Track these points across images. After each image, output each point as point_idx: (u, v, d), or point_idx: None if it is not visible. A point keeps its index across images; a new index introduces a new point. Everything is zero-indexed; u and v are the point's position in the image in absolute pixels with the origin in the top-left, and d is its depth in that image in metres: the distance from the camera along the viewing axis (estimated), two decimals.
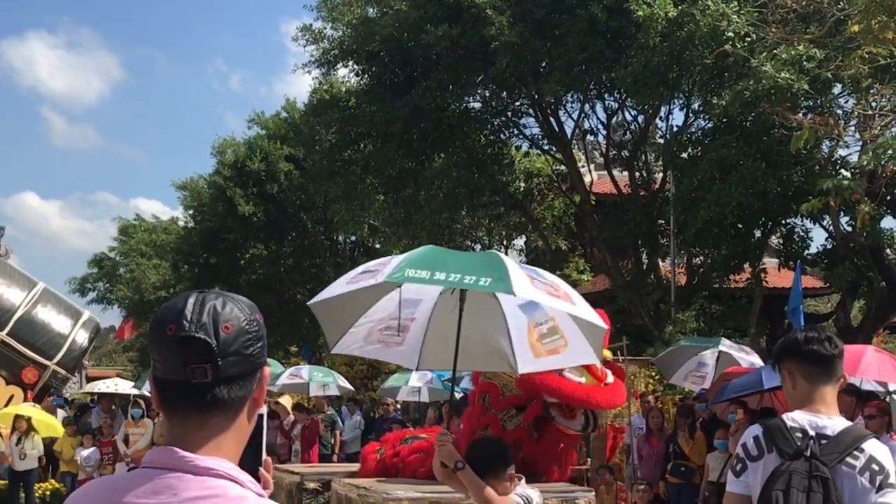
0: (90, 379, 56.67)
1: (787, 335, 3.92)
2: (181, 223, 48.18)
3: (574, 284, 29.22)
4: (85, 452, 17.41)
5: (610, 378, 6.13)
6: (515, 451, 6.25)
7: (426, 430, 7.85)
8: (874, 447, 3.50)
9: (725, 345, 13.36)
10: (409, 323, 6.34)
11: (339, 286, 6.22)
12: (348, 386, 20.06)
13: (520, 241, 33.30)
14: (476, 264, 5.85)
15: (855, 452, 3.45)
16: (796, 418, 3.55)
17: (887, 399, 10.48)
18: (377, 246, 37.63)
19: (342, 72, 26.75)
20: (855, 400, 10.48)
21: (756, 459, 3.56)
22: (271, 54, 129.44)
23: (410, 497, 6.36)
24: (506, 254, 33.13)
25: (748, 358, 13.10)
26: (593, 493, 6.41)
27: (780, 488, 3.41)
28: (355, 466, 9.50)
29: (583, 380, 6.05)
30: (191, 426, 1.83)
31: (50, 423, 16.40)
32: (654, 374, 15.76)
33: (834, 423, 3.54)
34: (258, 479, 1.94)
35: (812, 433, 3.49)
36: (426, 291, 6.36)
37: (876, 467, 3.45)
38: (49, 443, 17.59)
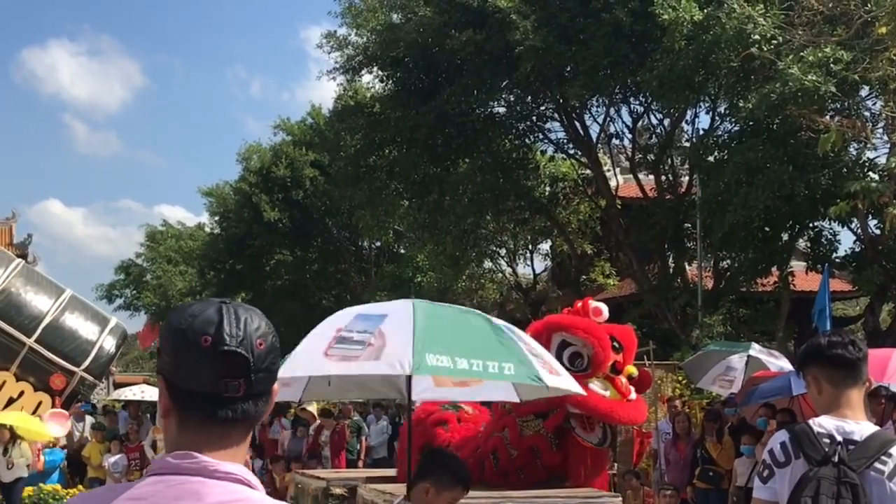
0: (117, 385, 57.01)
1: (810, 340, 3.87)
2: (207, 229, 48.41)
3: (600, 289, 29.30)
4: (112, 458, 17.47)
5: (633, 395, 6.09)
6: (534, 458, 6.23)
7: (467, 404, 7.77)
8: None
9: (755, 349, 13.28)
10: (368, 336, 6.29)
11: (318, 360, 6.22)
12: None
13: (545, 246, 33.23)
14: (488, 344, 5.88)
15: (883, 458, 3.41)
16: (823, 423, 3.51)
17: None
18: (402, 251, 37.69)
19: (367, 78, 26.89)
20: (888, 404, 10.41)
21: (783, 466, 3.52)
22: (291, 60, 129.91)
23: None
24: (531, 258, 33.15)
25: (777, 362, 13.01)
26: (620, 498, 6.37)
27: (808, 495, 3.36)
28: (382, 472, 9.49)
29: (607, 393, 6.02)
30: (211, 436, 1.82)
31: (35, 429, 16.29)
32: (680, 378, 15.69)
33: (861, 427, 3.50)
34: None
35: (839, 438, 3.45)
36: (387, 307, 6.41)
37: None
38: (77, 448, 17.69)
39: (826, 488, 3.34)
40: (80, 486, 18.14)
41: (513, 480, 6.38)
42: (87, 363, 18.49)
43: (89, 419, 19.68)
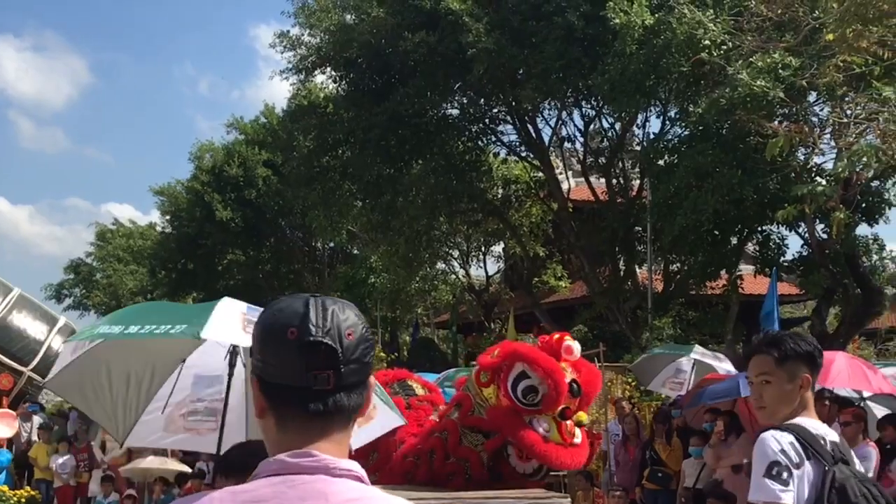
0: None
1: (754, 338, 3.81)
2: (159, 228, 48.00)
3: (552, 291, 29.43)
4: (60, 460, 17.25)
5: (578, 438, 6.09)
6: (464, 469, 6.23)
7: (419, 381, 7.72)
8: (852, 451, 3.55)
9: (698, 352, 13.43)
10: (218, 404, 6.06)
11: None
12: None
13: (498, 248, 33.34)
14: (188, 313, 5.83)
15: (853, 458, 3.47)
16: (812, 425, 3.43)
17: (861, 405, 10.55)
18: (355, 252, 37.63)
19: (320, 78, 26.77)
20: (833, 406, 10.54)
21: (799, 467, 3.34)
22: (241, 59, 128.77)
23: None
24: (484, 260, 33.23)
25: (722, 365, 13.17)
26: (569, 499, 6.40)
27: (860, 496, 3.25)
28: None
29: (549, 434, 6.02)
30: (312, 432, 1.78)
31: None
32: (630, 380, 15.80)
33: (831, 429, 3.52)
34: None
35: (827, 439, 3.41)
36: (220, 367, 6.16)
37: (863, 469, 3.50)
38: (24, 449, 17.44)
39: (864, 490, 3.27)
40: (28, 488, 17.91)
41: (440, 483, 6.38)
42: (34, 363, 18.28)
43: (37, 419, 19.44)
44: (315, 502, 1.68)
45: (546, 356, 5.96)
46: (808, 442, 3.34)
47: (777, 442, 3.37)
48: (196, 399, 6.16)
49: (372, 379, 1.90)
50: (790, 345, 3.71)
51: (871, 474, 9.42)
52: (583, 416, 6.11)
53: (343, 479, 1.73)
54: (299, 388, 1.77)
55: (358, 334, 1.82)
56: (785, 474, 3.32)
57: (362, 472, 1.77)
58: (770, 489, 3.32)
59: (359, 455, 7.07)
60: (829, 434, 3.45)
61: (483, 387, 6.09)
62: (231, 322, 5.47)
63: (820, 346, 3.58)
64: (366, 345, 1.84)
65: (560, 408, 5.88)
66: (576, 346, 6.04)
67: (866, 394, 10.88)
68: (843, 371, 9.98)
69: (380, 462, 7.08)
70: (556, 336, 6.13)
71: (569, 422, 6.02)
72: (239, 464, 4.22)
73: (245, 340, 5.42)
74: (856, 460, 3.48)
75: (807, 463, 3.33)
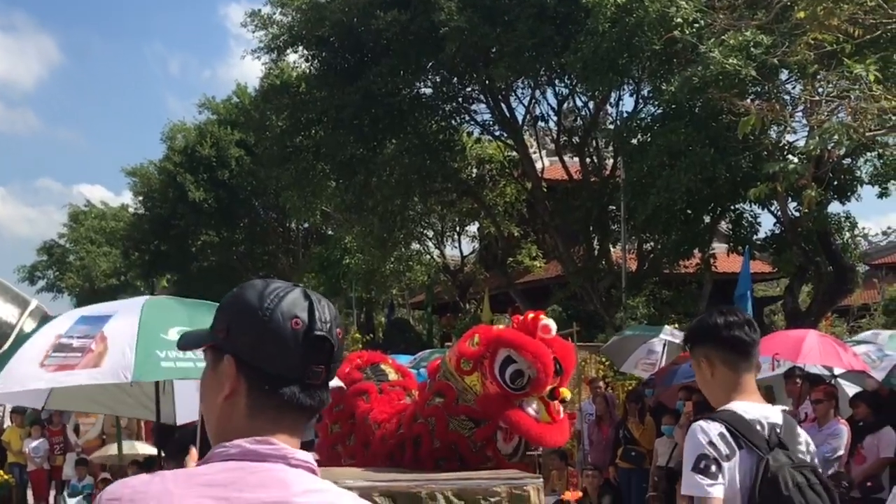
0: None
1: (701, 317, 3.67)
2: (131, 210, 47.70)
3: (526, 271, 29.43)
4: (33, 443, 17.14)
5: (561, 413, 6.08)
6: (453, 452, 6.21)
7: (394, 365, 7.67)
8: (803, 432, 3.48)
9: (667, 332, 13.46)
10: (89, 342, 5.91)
11: (32, 372, 5.80)
12: None
13: (473, 228, 33.30)
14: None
15: (799, 439, 3.40)
16: (747, 409, 3.35)
17: (832, 383, 10.60)
18: (330, 232, 37.50)
19: (292, 57, 26.60)
20: (804, 384, 10.60)
21: (729, 458, 3.26)
22: (211, 37, 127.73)
23: (360, 486, 6.27)
24: (459, 240, 33.19)
25: None
26: (542, 479, 6.36)
27: (791, 487, 3.17)
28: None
29: (539, 415, 6.00)
30: (283, 423, 1.75)
31: None
32: (604, 360, 15.82)
33: (774, 410, 3.44)
34: None
35: (766, 423, 3.33)
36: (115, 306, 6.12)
37: (813, 451, 3.44)
38: None
39: (800, 478, 3.20)
40: (0, 472, 17.80)
41: (428, 467, 6.33)
42: (6, 347, 18.08)
43: (8, 403, 19.30)
44: (276, 490, 1.65)
45: (531, 340, 5.89)
46: (739, 430, 3.26)
47: (705, 434, 3.29)
48: (69, 335, 5.98)
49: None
50: (693, 327, 3.69)
51: (841, 451, 9.49)
52: (567, 392, 6.09)
53: (299, 469, 1.70)
54: (290, 379, 1.73)
55: (343, 332, 1.82)
56: (713, 467, 3.25)
57: (315, 465, 1.74)
58: (697, 483, 3.25)
59: (336, 438, 7.03)
60: (771, 416, 3.37)
61: (465, 375, 6.01)
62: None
63: (741, 318, 3.45)
64: (343, 344, 1.83)
65: (549, 388, 5.84)
66: (552, 325, 5.99)
67: (837, 371, 10.92)
68: (814, 348, 10.02)
69: (357, 445, 7.03)
70: (531, 315, 6.06)
71: (557, 403, 6.00)
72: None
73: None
74: (803, 439, 3.40)
75: (739, 453, 3.26)
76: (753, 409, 3.36)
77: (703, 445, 3.27)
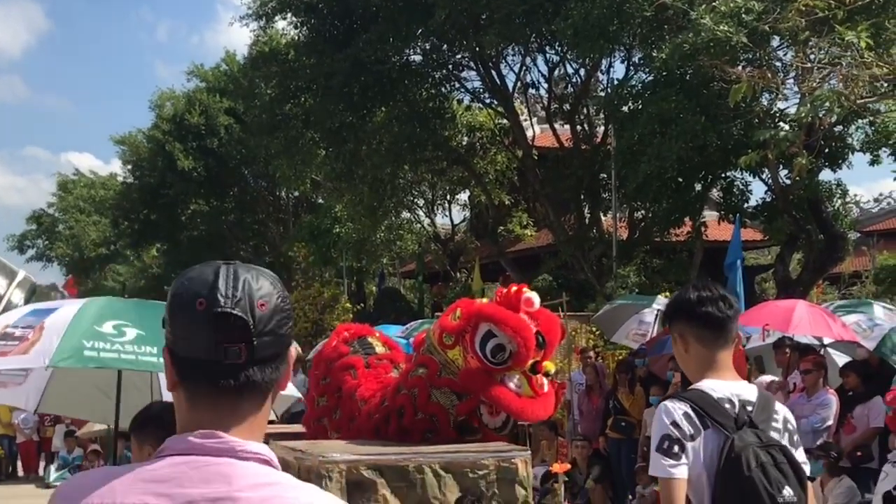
0: None
1: (677, 293, 3.66)
2: (120, 178, 47.46)
3: (517, 239, 29.36)
4: (23, 415, 17.13)
5: (546, 387, 6.02)
6: (434, 424, 6.17)
7: (382, 338, 7.63)
8: (782, 407, 3.44)
9: (660, 303, 13.43)
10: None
11: None
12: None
13: (463, 196, 33.20)
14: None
15: (774, 415, 3.35)
16: (716, 388, 3.32)
17: (822, 353, 10.58)
18: (320, 201, 37.35)
19: (281, 24, 26.37)
20: (794, 354, 10.58)
21: (693, 439, 3.25)
22: (199, 2, 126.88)
23: (347, 460, 6.24)
24: (450, 209, 33.09)
25: None
26: (529, 451, 6.34)
27: (754, 467, 3.16)
28: (292, 428, 9.36)
29: (521, 390, 5.95)
30: (222, 409, 1.69)
31: None
32: (595, 329, 15.79)
33: (746, 387, 3.41)
34: None
35: (736, 402, 3.29)
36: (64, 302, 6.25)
37: (791, 427, 3.39)
38: None
39: (764, 456, 3.19)
40: None
41: (416, 440, 6.29)
42: None
43: None
44: (217, 485, 1.60)
45: (512, 314, 5.84)
46: (705, 410, 3.25)
47: (669, 414, 3.29)
48: (14, 325, 6.07)
49: (292, 351, 1.80)
50: (669, 303, 3.71)
51: (830, 421, 9.49)
52: (550, 366, 6.04)
53: (250, 461, 1.65)
54: (209, 363, 1.66)
55: (272, 304, 1.71)
56: (676, 448, 3.24)
57: (271, 455, 1.69)
58: (661, 464, 3.27)
59: (322, 412, 6.98)
60: (744, 393, 3.34)
61: (448, 349, 5.97)
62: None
63: (715, 293, 3.41)
64: (281, 315, 1.73)
65: (530, 362, 5.79)
66: (535, 298, 5.92)
67: (827, 340, 10.90)
68: (804, 319, 9.99)
69: (343, 420, 7.00)
70: (514, 288, 5.99)
71: (540, 377, 5.96)
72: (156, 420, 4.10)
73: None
74: (780, 416, 3.36)
75: (704, 433, 3.25)
76: (723, 386, 3.33)
77: (667, 426, 3.27)
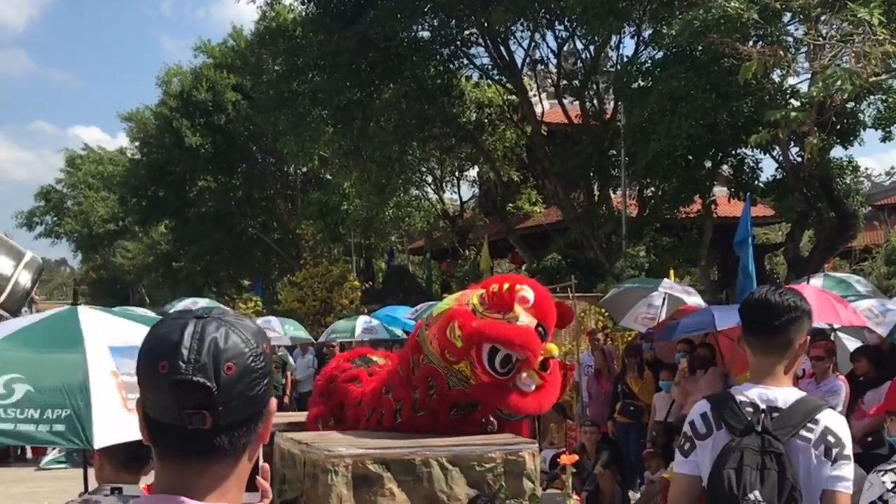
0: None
1: (748, 294, 3.65)
2: (129, 154, 47.38)
3: (526, 216, 29.24)
4: None
5: (549, 370, 5.99)
6: (433, 421, 6.12)
7: (382, 354, 7.67)
8: (830, 418, 3.33)
9: (666, 286, 13.32)
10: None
11: None
12: (309, 338, 19.93)
13: (472, 173, 33.05)
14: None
15: (809, 425, 3.28)
16: (745, 392, 3.38)
17: (832, 337, 10.47)
18: (328, 177, 37.27)
19: (288, 0, 26.18)
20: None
21: (704, 437, 3.38)
22: None
23: (353, 454, 6.20)
24: (458, 186, 32.99)
25: (692, 299, 13.07)
26: (536, 444, 6.29)
27: (731, 467, 3.23)
28: (303, 416, 9.35)
29: (533, 385, 5.90)
30: (190, 472, 1.63)
31: None
32: (604, 310, 15.68)
33: (786, 394, 3.35)
34: (255, 488, 1.82)
35: (763, 406, 3.31)
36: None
37: (832, 439, 3.29)
38: None
39: (750, 459, 3.22)
40: None
41: (420, 423, 6.27)
42: (1, 299, 17.99)
43: None
44: None
45: (513, 330, 5.78)
46: (721, 412, 3.37)
47: (692, 413, 3.50)
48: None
49: (272, 405, 1.72)
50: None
51: (839, 408, 9.37)
52: (553, 348, 5.97)
53: None
54: (175, 427, 1.59)
55: (241, 366, 1.62)
56: (687, 445, 3.45)
57: None
58: (676, 457, 3.53)
59: (325, 426, 6.93)
60: (777, 400, 3.33)
61: (453, 364, 5.91)
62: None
63: (763, 300, 3.42)
64: (252, 377, 1.63)
65: (538, 361, 5.75)
66: (529, 295, 5.85)
67: (836, 324, 10.78)
68: (812, 305, 9.81)
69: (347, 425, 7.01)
70: (506, 286, 5.91)
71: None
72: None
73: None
74: (821, 426, 3.28)
75: (716, 433, 3.37)
76: (756, 391, 3.37)
77: (686, 424, 3.49)
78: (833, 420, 3.33)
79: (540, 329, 5.95)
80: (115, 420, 4.53)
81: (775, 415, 3.30)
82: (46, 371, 4.79)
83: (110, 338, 4.96)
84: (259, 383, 1.65)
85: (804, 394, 3.46)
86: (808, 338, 3.46)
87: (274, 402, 1.72)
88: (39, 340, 5.02)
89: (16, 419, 4.44)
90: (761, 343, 3.41)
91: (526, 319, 5.76)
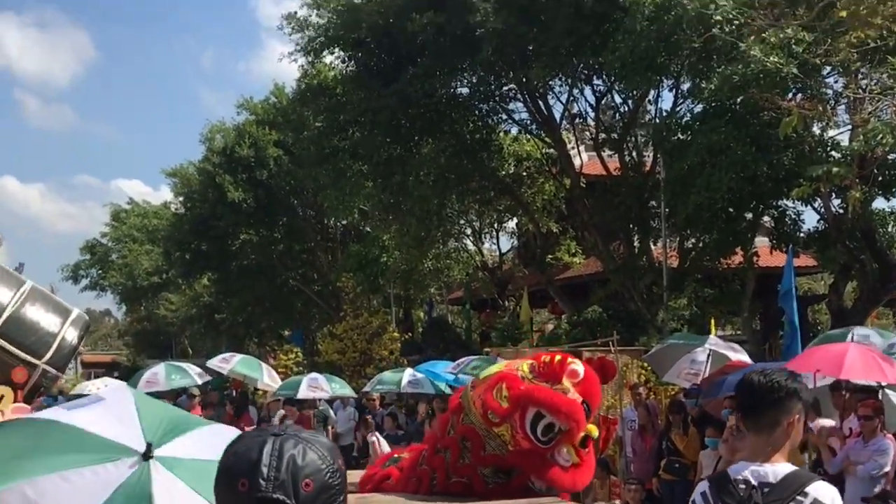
0: (85, 365, 56.63)
1: (740, 379, 3.79)
2: (172, 208, 48.02)
3: (566, 267, 29.25)
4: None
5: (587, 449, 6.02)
6: (468, 489, 6.12)
7: (410, 449, 7.70)
8: (819, 489, 3.43)
9: (711, 342, 13.26)
10: None
11: None
12: (353, 395, 19.82)
13: (511, 224, 33.16)
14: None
15: (798, 497, 3.40)
16: (739, 469, 3.53)
17: (879, 395, 10.37)
18: (368, 230, 37.53)
19: (329, 58, 26.57)
20: (850, 395, 10.37)
21: None
22: (244, 31, 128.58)
23: None
24: (497, 237, 33.08)
25: (737, 355, 13.01)
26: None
27: None
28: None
29: (569, 460, 5.92)
30: None
31: None
32: (646, 364, 15.64)
33: (776, 469, 3.47)
34: None
35: (755, 483, 3.45)
36: None
37: (879, 462, 3.48)
38: None
39: None
40: None
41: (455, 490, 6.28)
42: (49, 355, 18.13)
43: None
44: None
45: (561, 399, 5.80)
46: (718, 490, 3.51)
47: (695, 492, 3.66)
48: None
49: None
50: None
51: (888, 468, 9.28)
52: (593, 429, 5.99)
53: None
54: None
55: (319, 482, 1.69)
56: None
57: None
58: None
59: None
60: (767, 476, 3.45)
61: (494, 426, 5.94)
62: None
63: (752, 380, 3.54)
64: (329, 493, 1.71)
65: (580, 437, 5.78)
66: (580, 369, 5.89)
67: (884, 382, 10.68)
68: (857, 363, 9.77)
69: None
70: (557, 358, 5.94)
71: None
72: None
73: None
74: (808, 498, 3.37)
75: None
76: (749, 468, 3.52)
77: (689, 501, 3.66)
78: (822, 491, 3.43)
79: (585, 406, 5.99)
80: None
81: (766, 489, 3.43)
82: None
83: None
84: (336, 499, 1.71)
85: (795, 468, 3.56)
86: (799, 416, 3.51)
87: None
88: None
89: None
90: (751, 423, 3.56)
91: (573, 395, 5.81)
